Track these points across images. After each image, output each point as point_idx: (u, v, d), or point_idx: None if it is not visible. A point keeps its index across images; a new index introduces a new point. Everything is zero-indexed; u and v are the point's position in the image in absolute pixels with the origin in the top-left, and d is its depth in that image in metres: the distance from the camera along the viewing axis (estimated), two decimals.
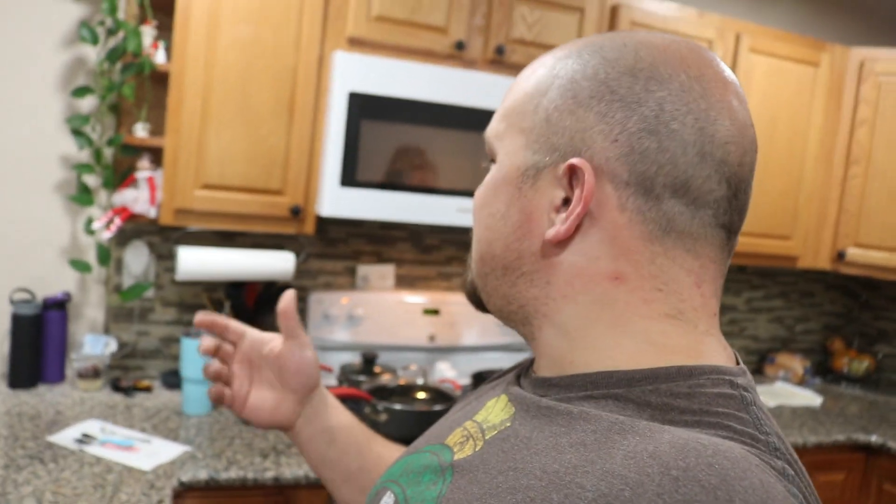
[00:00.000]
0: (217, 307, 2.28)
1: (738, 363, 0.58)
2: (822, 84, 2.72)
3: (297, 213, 2.06)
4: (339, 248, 2.49)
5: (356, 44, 2.07)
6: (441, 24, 2.14)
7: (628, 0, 2.39)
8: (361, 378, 2.26)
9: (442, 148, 2.13)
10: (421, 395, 2.17)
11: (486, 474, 0.54)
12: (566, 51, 0.59)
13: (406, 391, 2.18)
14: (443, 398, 2.15)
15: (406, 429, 1.98)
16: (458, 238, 2.65)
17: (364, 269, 2.52)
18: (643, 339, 0.55)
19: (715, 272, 0.57)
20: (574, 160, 0.54)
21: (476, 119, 2.14)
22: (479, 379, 2.50)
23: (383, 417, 1.99)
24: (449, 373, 2.46)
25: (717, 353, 0.56)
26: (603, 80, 0.55)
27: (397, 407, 2.01)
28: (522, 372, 0.66)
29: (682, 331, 0.55)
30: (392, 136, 2.07)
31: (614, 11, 2.37)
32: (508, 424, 0.57)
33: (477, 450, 0.57)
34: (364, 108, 2.03)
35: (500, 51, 2.19)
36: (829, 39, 3.16)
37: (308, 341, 0.86)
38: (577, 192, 0.55)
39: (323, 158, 2.06)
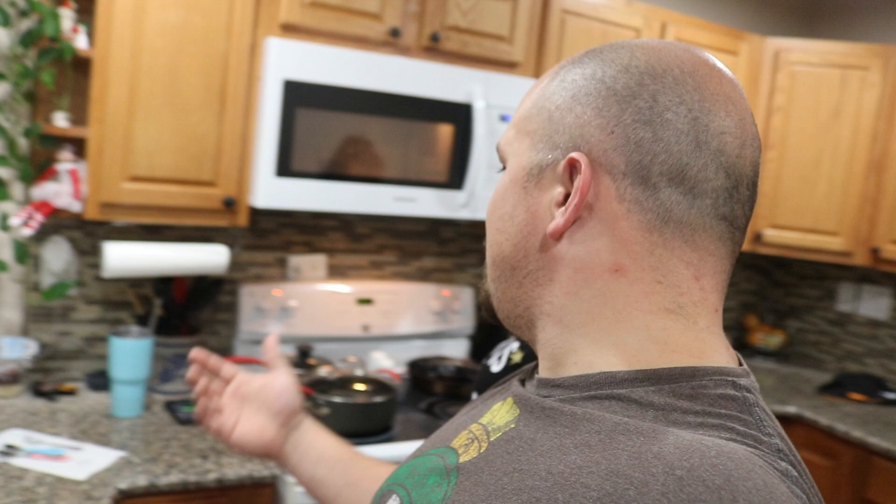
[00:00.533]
0: (145, 304, 2.19)
1: (740, 363, 0.59)
2: (741, 72, 2.82)
3: (230, 204, 1.99)
4: (269, 239, 2.43)
5: (290, 30, 2.01)
6: (376, 11, 2.09)
7: None
8: (298, 371, 2.22)
9: (378, 136, 2.10)
10: (360, 386, 2.15)
11: (491, 476, 0.54)
12: (570, 60, 0.62)
13: (345, 383, 2.15)
14: (383, 389, 2.13)
15: (349, 423, 1.96)
16: (389, 226, 2.62)
17: (295, 260, 2.47)
18: (644, 335, 0.55)
19: (715, 266, 0.57)
20: (573, 154, 0.55)
21: (411, 107, 2.11)
22: (416, 367, 2.49)
23: (324, 411, 1.96)
24: (385, 362, 2.45)
25: (719, 352, 0.57)
26: (600, 79, 0.57)
27: (338, 400, 1.98)
28: (528, 374, 0.67)
29: (682, 327, 0.56)
30: (327, 125, 2.02)
31: None
32: (513, 426, 0.58)
33: (482, 452, 0.58)
34: (298, 95, 1.97)
35: (434, 38, 2.17)
36: (746, 29, 3.28)
37: (290, 369, 0.98)
38: (574, 184, 0.55)
39: (256, 148, 1.99)
